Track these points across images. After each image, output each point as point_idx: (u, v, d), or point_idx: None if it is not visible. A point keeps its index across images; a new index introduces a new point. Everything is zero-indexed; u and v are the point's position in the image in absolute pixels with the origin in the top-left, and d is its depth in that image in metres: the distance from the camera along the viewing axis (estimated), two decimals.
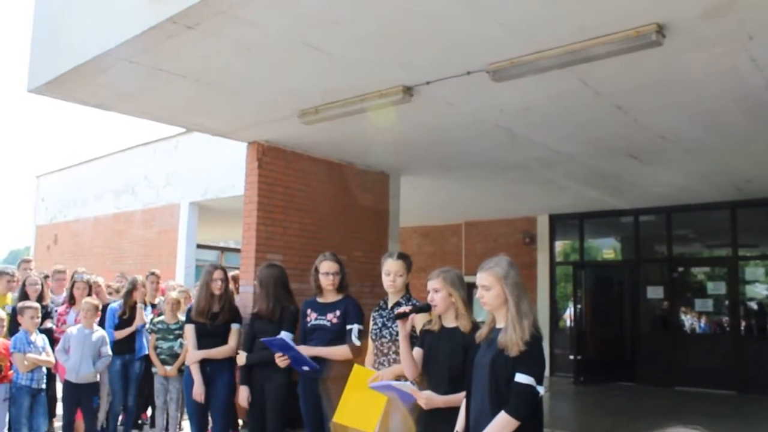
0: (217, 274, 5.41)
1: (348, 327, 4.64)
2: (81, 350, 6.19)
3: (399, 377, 3.71)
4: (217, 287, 5.34)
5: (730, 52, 5.06)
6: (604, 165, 8.94)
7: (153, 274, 7.85)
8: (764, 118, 6.73)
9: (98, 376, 6.43)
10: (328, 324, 4.69)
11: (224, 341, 5.33)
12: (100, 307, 6.54)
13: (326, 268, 4.76)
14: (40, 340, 6.05)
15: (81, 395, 6.25)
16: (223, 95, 6.36)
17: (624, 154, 8.30)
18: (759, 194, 10.87)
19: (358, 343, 4.61)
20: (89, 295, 6.89)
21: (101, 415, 7.12)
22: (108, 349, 6.39)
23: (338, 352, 4.59)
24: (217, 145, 10.48)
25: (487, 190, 11.03)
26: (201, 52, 5.26)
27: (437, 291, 3.55)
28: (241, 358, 5.03)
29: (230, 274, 7.94)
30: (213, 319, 5.34)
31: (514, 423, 2.91)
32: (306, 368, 4.63)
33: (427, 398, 3.41)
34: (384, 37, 4.91)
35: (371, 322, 4.42)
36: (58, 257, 15.29)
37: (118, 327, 6.99)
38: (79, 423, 6.70)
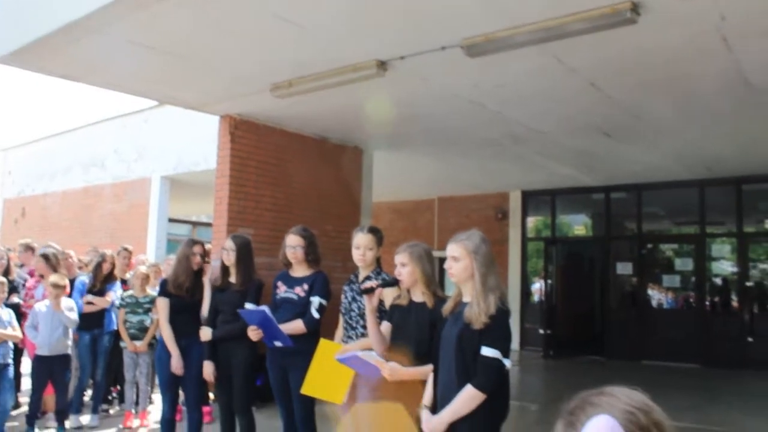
0: (197, 248, 5.35)
1: (310, 299, 4.63)
2: (50, 324, 6.11)
3: (366, 351, 3.72)
4: (196, 262, 5.29)
5: (703, 32, 5.09)
6: (577, 142, 9.00)
7: (125, 249, 7.77)
8: (735, 99, 6.81)
9: (70, 349, 6.36)
10: (296, 297, 4.68)
11: (197, 313, 5.29)
12: (67, 284, 6.43)
13: (289, 241, 4.75)
14: (6, 314, 5.95)
15: (53, 368, 6.19)
16: (194, 68, 6.26)
17: (597, 132, 8.36)
18: (727, 173, 11.05)
19: (317, 315, 4.59)
20: (55, 271, 6.76)
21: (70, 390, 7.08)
22: (75, 314, 6.29)
23: (293, 326, 4.58)
24: (189, 118, 10.34)
25: (460, 165, 11.05)
26: (172, 24, 5.17)
27: (404, 265, 3.55)
28: (205, 334, 4.98)
29: None
30: (191, 294, 5.29)
31: (481, 396, 2.94)
32: (278, 343, 4.61)
33: (392, 370, 3.43)
34: (357, 10, 4.86)
35: (342, 296, 4.43)
36: (27, 231, 15.05)
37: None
38: (47, 398, 6.65)
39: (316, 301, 4.60)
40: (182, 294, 5.23)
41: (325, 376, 4.20)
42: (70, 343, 6.35)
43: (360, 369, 3.78)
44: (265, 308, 4.62)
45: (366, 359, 3.53)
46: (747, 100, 6.81)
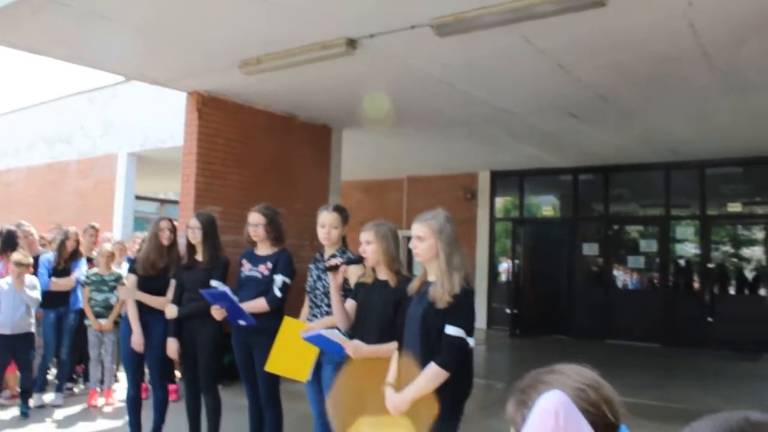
0: (164, 223, 5.26)
1: (274, 278, 4.63)
2: (12, 302, 6.02)
3: (330, 329, 3.73)
4: (165, 237, 5.22)
5: (670, 17, 5.15)
6: (545, 123, 9.06)
7: (92, 227, 7.67)
8: (700, 83, 6.91)
9: (33, 327, 6.28)
10: (260, 275, 4.67)
11: (163, 294, 5.22)
12: (31, 262, 6.32)
13: (251, 219, 4.73)
14: None
15: (16, 347, 6.11)
16: (160, 43, 6.17)
17: (564, 113, 8.42)
18: (692, 156, 11.21)
19: (279, 294, 4.59)
20: (13, 250, 6.63)
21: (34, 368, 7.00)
22: (38, 293, 6.20)
23: (255, 305, 4.58)
24: (156, 94, 10.18)
25: (429, 145, 11.07)
26: None
27: (369, 243, 3.56)
28: (171, 311, 4.95)
29: None
30: (162, 274, 5.23)
31: (444, 374, 2.97)
32: (242, 322, 4.61)
33: (355, 347, 3.45)
34: None
35: (307, 274, 4.43)
36: None
37: (52, 277, 6.80)
38: (9, 377, 6.58)
39: (278, 279, 4.59)
40: (153, 273, 5.17)
41: (290, 354, 4.22)
42: (32, 321, 6.27)
43: (324, 347, 3.79)
44: (226, 288, 4.61)
45: (330, 337, 3.54)
46: (712, 84, 6.91)
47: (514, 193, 14.07)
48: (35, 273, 6.45)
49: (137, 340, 5.11)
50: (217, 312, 4.63)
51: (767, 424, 0.82)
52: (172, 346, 4.97)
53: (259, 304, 4.58)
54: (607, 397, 1.45)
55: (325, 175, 9.46)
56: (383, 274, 3.60)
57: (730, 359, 10.24)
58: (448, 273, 3.04)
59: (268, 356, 4.34)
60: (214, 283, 4.79)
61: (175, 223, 5.67)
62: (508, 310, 13.16)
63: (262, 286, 4.63)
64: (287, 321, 4.34)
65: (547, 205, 14.41)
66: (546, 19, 5.04)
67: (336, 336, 3.53)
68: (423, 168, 13.84)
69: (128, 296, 5.19)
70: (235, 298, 4.59)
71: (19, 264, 6.01)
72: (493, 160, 12.63)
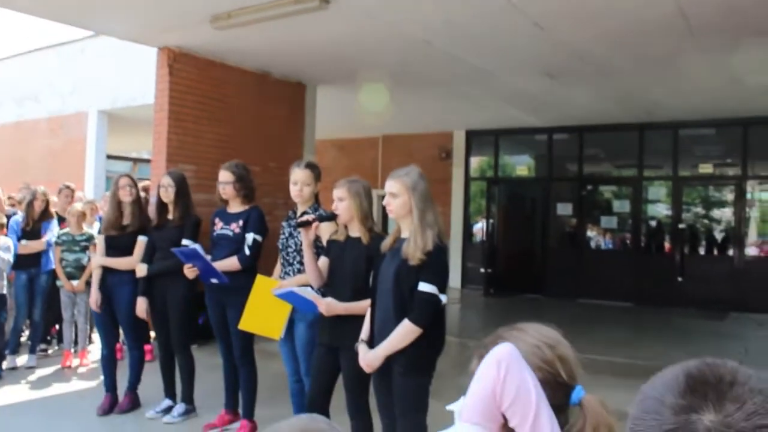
0: (123, 181, 5.16)
1: (245, 236, 4.60)
2: None
3: (303, 286, 3.73)
4: (125, 194, 5.13)
5: None
6: (522, 83, 9.03)
7: (67, 187, 7.55)
8: (676, 43, 6.90)
9: (5, 288, 6.19)
10: (231, 234, 4.64)
11: (130, 254, 5.15)
12: (3, 222, 6.21)
13: (220, 177, 4.69)
14: None
15: None
16: None
17: (541, 73, 8.39)
18: (665, 118, 11.28)
19: (248, 252, 4.57)
20: None
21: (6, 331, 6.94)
22: (10, 255, 6.10)
23: (227, 263, 4.56)
24: (127, 50, 9.94)
25: (405, 104, 10.97)
26: None
27: (341, 200, 3.54)
28: (141, 269, 4.92)
29: (141, 184, 7.72)
30: (123, 230, 5.17)
31: (417, 330, 2.99)
32: (214, 280, 4.59)
33: (328, 305, 3.45)
34: None
35: (280, 232, 4.40)
36: None
37: (21, 239, 6.70)
38: None
39: (249, 237, 4.57)
40: (114, 233, 5.11)
41: (263, 312, 4.22)
42: (5, 283, 6.18)
43: (297, 304, 3.79)
44: (197, 246, 4.58)
45: (303, 294, 3.54)
46: (687, 44, 6.91)
47: (489, 152, 14.08)
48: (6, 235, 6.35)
49: (94, 298, 5.08)
50: (190, 271, 4.60)
51: (723, 366, 0.84)
52: (142, 305, 4.95)
53: (231, 263, 4.56)
54: (562, 356, 1.48)
55: (300, 132, 9.37)
56: (356, 231, 3.59)
57: (698, 317, 10.46)
58: (421, 229, 3.04)
59: (242, 314, 4.33)
60: (185, 241, 4.75)
61: (140, 181, 5.59)
62: (482, 270, 13.26)
63: (234, 245, 4.60)
64: (260, 279, 4.33)
65: (522, 165, 14.43)
66: None
67: (309, 293, 3.53)
68: (399, 126, 13.75)
69: (96, 265, 5.14)
70: (207, 257, 4.56)
71: None
72: (468, 119, 12.59)
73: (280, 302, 3.87)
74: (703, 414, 0.79)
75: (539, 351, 1.46)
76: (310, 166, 4.22)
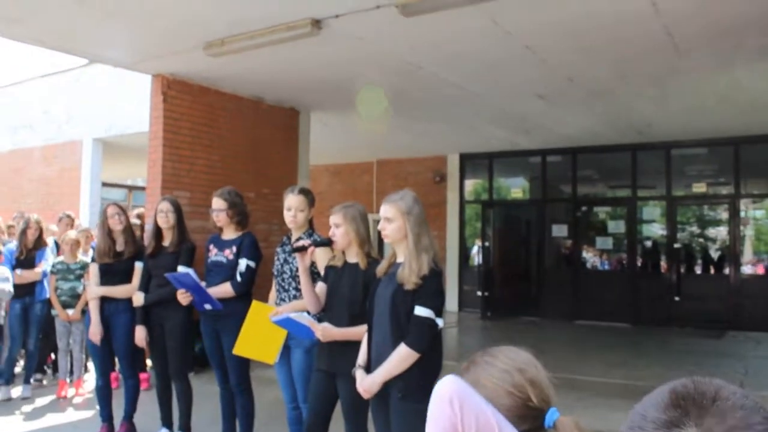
0: (111, 209, 5.15)
1: (238, 261, 4.60)
2: None
3: (300, 312, 3.72)
4: (115, 222, 5.12)
5: None
6: (513, 105, 9.08)
7: (68, 216, 7.55)
8: (664, 63, 6.97)
9: (2, 319, 6.14)
10: (225, 260, 4.64)
11: (128, 280, 5.15)
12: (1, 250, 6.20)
13: (213, 204, 4.71)
14: None
15: None
16: (121, 24, 6.03)
17: (532, 95, 8.44)
18: (658, 138, 11.35)
19: (240, 278, 4.56)
20: None
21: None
22: (9, 286, 6.06)
23: (221, 290, 4.55)
24: (121, 78, 10.01)
25: (397, 128, 11.03)
26: None
27: (338, 226, 3.54)
28: (138, 299, 4.90)
29: (136, 211, 7.72)
30: (117, 258, 5.16)
31: (414, 355, 2.98)
32: (208, 306, 4.58)
33: (324, 330, 3.44)
34: None
35: (275, 258, 4.40)
36: None
37: (15, 268, 6.67)
38: None
39: (242, 263, 4.57)
40: (108, 260, 5.09)
41: (258, 337, 4.21)
42: (2, 314, 6.15)
43: (294, 331, 3.77)
44: (189, 271, 4.57)
45: (300, 321, 3.52)
46: (675, 64, 6.98)
47: (483, 175, 14.12)
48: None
49: (94, 330, 5.04)
50: (183, 297, 4.59)
51: (709, 383, 0.85)
52: (140, 334, 4.92)
53: (225, 289, 4.55)
54: (532, 379, 1.50)
55: (294, 158, 9.39)
56: (353, 257, 3.58)
57: (696, 337, 10.44)
58: (416, 254, 3.04)
59: (237, 340, 4.32)
60: (180, 268, 4.74)
61: (136, 208, 5.59)
62: (479, 293, 13.24)
63: (229, 271, 4.60)
64: (255, 305, 4.32)
65: (516, 188, 14.47)
66: None
67: (305, 319, 3.51)
68: (392, 151, 13.81)
69: (94, 296, 5.10)
70: (202, 283, 4.56)
71: None
72: (462, 142, 12.64)
73: (276, 327, 3.85)
74: (683, 428, 0.80)
75: (508, 376, 1.47)
76: (304, 192, 4.22)
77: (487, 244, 13.40)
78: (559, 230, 13.31)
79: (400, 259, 3.16)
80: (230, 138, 8.36)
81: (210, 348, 4.75)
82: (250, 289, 4.64)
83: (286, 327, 3.75)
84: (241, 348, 4.30)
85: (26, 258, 6.70)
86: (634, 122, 10.19)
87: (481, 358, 1.52)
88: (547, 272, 13.33)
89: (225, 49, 6.37)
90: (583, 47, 6.48)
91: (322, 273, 3.82)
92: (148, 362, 6.81)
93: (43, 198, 13.06)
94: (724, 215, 12.20)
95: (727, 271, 11.84)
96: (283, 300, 4.23)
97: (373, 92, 6.98)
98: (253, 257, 4.61)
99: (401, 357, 2.99)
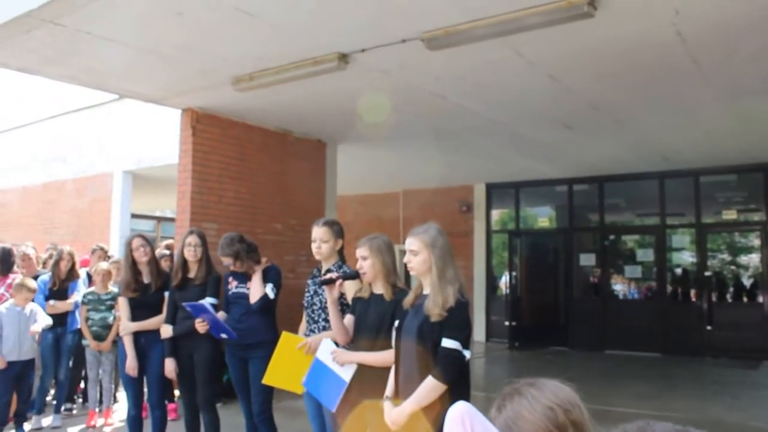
0: (136, 242, 5.19)
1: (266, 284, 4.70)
2: (18, 327, 5.96)
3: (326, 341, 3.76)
4: (141, 254, 5.18)
5: (659, 26, 5.20)
6: (539, 134, 9.09)
7: (101, 248, 7.68)
8: (690, 91, 6.96)
9: (36, 352, 6.24)
10: (248, 291, 4.70)
11: (158, 311, 5.20)
12: (35, 287, 6.31)
13: (223, 262, 4.89)
14: None
15: (21, 373, 6.04)
16: (153, 61, 6.18)
17: (557, 124, 8.46)
18: (685, 165, 11.26)
19: (272, 295, 4.64)
20: (9, 271, 6.62)
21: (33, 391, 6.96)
22: (37, 326, 6.16)
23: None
24: (151, 112, 10.20)
25: (423, 158, 11.09)
26: (130, 15, 5.10)
27: (365, 258, 3.57)
28: (166, 331, 4.95)
29: (165, 243, 7.83)
30: (145, 290, 5.21)
31: (441, 387, 2.97)
32: (224, 335, 4.63)
33: (338, 354, 3.56)
34: (319, 2, 4.85)
35: (305, 290, 4.43)
36: None
37: (49, 299, 6.79)
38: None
39: (269, 286, 4.68)
40: (131, 294, 5.15)
41: (287, 368, 4.23)
42: (36, 346, 6.26)
43: (321, 394, 3.80)
44: (203, 302, 4.63)
45: (326, 364, 3.59)
46: (702, 92, 6.96)
47: (509, 204, 14.10)
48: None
49: (131, 365, 5.08)
50: (201, 325, 4.64)
51: (661, 428, 0.86)
52: (170, 366, 4.96)
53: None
54: (576, 421, 1.48)
55: (321, 190, 9.48)
56: (379, 288, 3.61)
57: (729, 367, 10.23)
58: (440, 286, 3.05)
59: (266, 370, 4.34)
60: (208, 299, 4.81)
61: (168, 241, 5.67)
62: (506, 323, 13.14)
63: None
64: (285, 336, 4.34)
65: (543, 217, 14.42)
66: (536, 30, 5.08)
67: (329, 355, 3.56)
68: (418, 181, 13.87)
69: (127, 332, 5.15)
70: (212, 310, 4.63)
71: (29, 290, 6.01)
72: (488, 172, 12.66)
73: (305, 358, 3.89)
74: None
75: (552, 414, 1.46)
76: (328, 224, 4.25)
77: (514, 273, 13.33)
78: (587, 259, 13.21)
79: (426, 291, 3.17)
80: (258, 170, 8.48)
81: (236, 378, 4.78)
82: (274, 319, 4.72)
83: (315, 393, 3.81)
84: (271, 378, 4.33)
85: (59, 289, 6.82)
86: (660, 149, 10.13)
87: (527, 390, 1.51)
88: (575, 301, 13.20)
89: (253, 84, 6.50)
90: (607, 75, 6.49)
91: None
92: (176, 392, 6.84)
93: (74, 230, 13.27)
94: (756, 242, 12.01)
95: (761, 299, 11.62)
96: (312, 331, 4.25)
97: (377, 99, 7.02)
98: (276, 284, 4.78)
99: (429, 389, 2.98)
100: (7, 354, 5.89)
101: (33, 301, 6.28)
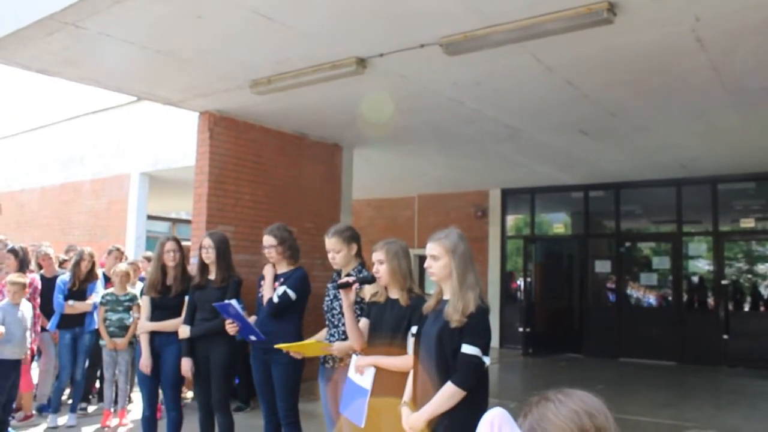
0: (170, 245, 5.25)
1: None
2: (21, 326, 5.95)
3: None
4: (170, 259, 5.22)
5: (678, 33, 5.17)
6: (555, 140, 9.07)
7: (117, 249, 7.73)
8: (709, 98, 6.91)
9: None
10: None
11: (177, 314, 5.23)
12: (26, 282, 6.29)
13: (264, 241, 4.78)
14: None
15: (20, 370, 6.05)
16: (172, 63, 6.23)
17: (574, 130, 8.43)
18: (702, 172, 11.19)
19: (276, 300, 4.62)
20: (22, 270, 6.67)
21: (47, 389, 7.01)
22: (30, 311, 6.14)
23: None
24: (169, 114, 10.27)
25: (439, 163, 11.10)
26: (150, 19, 5.14)
27: (381, 263, 3.57)
28: (184, 331, 4.98)
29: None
30: (166, 293, 5.24)
31: (461, 393, 2.96)
32: (253, 337, 4.64)
33: (337, 347, 3.72)
34: (337, 7, 4.87)
35: (326, 294, 4.43)
36: (2, 227, 14.86)
37: (68, 299, 6.85)
38: (23, 395, 6.59)
39: (280, 289, 4.63)
40: (155, 294, 5.18)
41: (306, 348, 4.28)
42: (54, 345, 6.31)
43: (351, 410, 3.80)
44: (232, 301, 4.63)
45: (355, 380, 3.60)
46: (721, 99, 6.91)
47: (525, 210, 14.06)
48: (43, 294, 6.50)
49: (145, 363, 5.12)
50: (231, 327, 4.67)
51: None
52: (186, 366, 4.98)
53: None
54: (600, 427, 1.50)
55: (337, 193, 9.50)
56: (395, 293, 3.61)
57: (747, 377, 10.13)
58: (461, 292, 3.04)
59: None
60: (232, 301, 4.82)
61: (184, 243, 5.68)
62: (520, 329, 13.09)
63: None
64: (313, 341, 4.38)
65: (558, 223, 14.36)
66: (554, 36, 5.07)
67: (353, 369, 3.58)
68: (434, 186, 13.87)
69: (144, 330, 5.19)
70: (242, 312, 4.63)
71: (14, 284, 5.90)
72: (503, 177, 12.64)
73: (323, 345, 4.05)
74: None
75: (577, 417, 1.47)
76: (338, 233, 4.23)
77: (529, 279, 13.29)
78: (602, 266, 13.14)
79: (446, 297, 3.17)
80: (274, 173, 8.51)
81: (259, 380, 4.78)
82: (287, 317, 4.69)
83: (349, 415, 3.81)
84: (289, 348, 4.30)
85: (78, 289, 6.88)
86: (678, 156, 10.07)
87: (555, 396, 1.53)
88: (590, 308, 13.13)
89: (271, 87, 6.53)
90: (625, 82, 6.47)
91: None
92: (189, 393, 6.87)
93: (91, 230, 13.37)
94: None
95: None
96: (333, 336, 4.24)
97: (379, 97, 7.02)
98: (296, 288, 4.66)
99: (448, 395, 2.98)
100: (13, 353, 5.86)
101: (52, 300, 6.34)
